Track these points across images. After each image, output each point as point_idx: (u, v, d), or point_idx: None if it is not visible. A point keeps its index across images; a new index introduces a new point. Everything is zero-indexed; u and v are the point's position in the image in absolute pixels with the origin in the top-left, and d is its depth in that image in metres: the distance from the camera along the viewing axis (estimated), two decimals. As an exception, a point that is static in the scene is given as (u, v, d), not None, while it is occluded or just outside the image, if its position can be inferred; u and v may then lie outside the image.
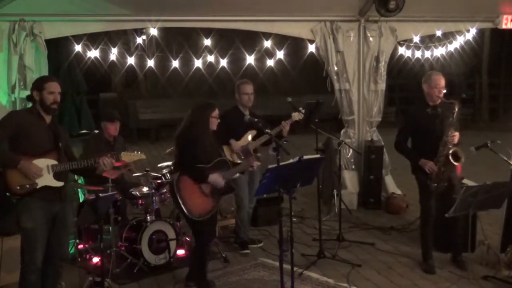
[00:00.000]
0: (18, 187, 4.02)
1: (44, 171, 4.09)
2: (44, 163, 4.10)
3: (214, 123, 4.84)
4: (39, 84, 4.21)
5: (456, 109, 5.04)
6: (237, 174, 5.10)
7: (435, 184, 5.11)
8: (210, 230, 4.98)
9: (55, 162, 4.16)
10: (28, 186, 4.04)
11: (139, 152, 4.68)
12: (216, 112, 4.83)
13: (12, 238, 4.95)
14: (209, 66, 8.22)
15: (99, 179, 4.93)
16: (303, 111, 5.97)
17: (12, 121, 4.13)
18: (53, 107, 4.17)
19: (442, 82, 5.16)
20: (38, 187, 4.07)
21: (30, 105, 4.28)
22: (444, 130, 5.05)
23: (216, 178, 4.75)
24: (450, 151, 5.03)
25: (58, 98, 4.21)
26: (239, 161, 5.57)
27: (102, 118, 5.98)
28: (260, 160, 5.28)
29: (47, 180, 4.11)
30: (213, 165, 4.79)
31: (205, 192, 4.73)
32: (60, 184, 4.19)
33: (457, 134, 5.05)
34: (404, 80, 18.48)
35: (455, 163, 5.04)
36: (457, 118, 5.10)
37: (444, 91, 5.18)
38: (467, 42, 8.31)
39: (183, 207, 4.62)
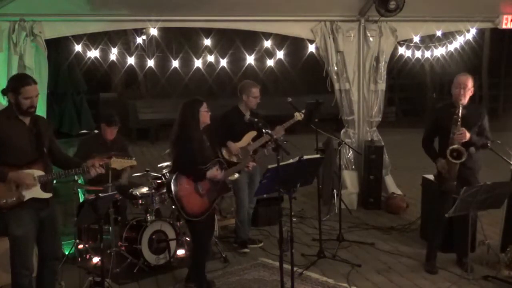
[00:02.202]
0: (4, 201, 3.87)
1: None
2: (30, 174, 3.95)
3: (205, 117, 4.76)
4: (15, 87, 3.91)
5: (461, 109, 4.94)
6: (236, 175, 5.10)
7: (443, 184, 5.06)
8: (207, 230, 4.95)
9: (41, 172, 3.99)
10: (14, 199, 3.88)
11: (130, 158, 4.65)
12: (205, 106, 4.76)
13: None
14: (209, 66, 8.21)
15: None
16: (303, 111, 5.97)
17: None
18: (30, 111, 3.94)
19: (463, 81, 5.06)
20: (25, 199, 3.92)
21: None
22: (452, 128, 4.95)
23: (213, 173, 4.73)
24: (449, 148, 4.94)
25: (35, 102, 3.95)
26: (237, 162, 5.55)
27: (102, 120, 5.95)
28: (255, 161, 5.26)
29: (34, 192, 3.96)
30: (210, 166, 4.77)
31: (200, 192, 4.70)
32: (48, 195, 4.06)
33: (464, 132, 4.90)
34: (404, 80, 18.50)
35: (453, 161, 4.92)
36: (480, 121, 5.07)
37: (470, 92, 5.09)
38: (467, 42, 8.30)
39: (179, 207, 4.60)
